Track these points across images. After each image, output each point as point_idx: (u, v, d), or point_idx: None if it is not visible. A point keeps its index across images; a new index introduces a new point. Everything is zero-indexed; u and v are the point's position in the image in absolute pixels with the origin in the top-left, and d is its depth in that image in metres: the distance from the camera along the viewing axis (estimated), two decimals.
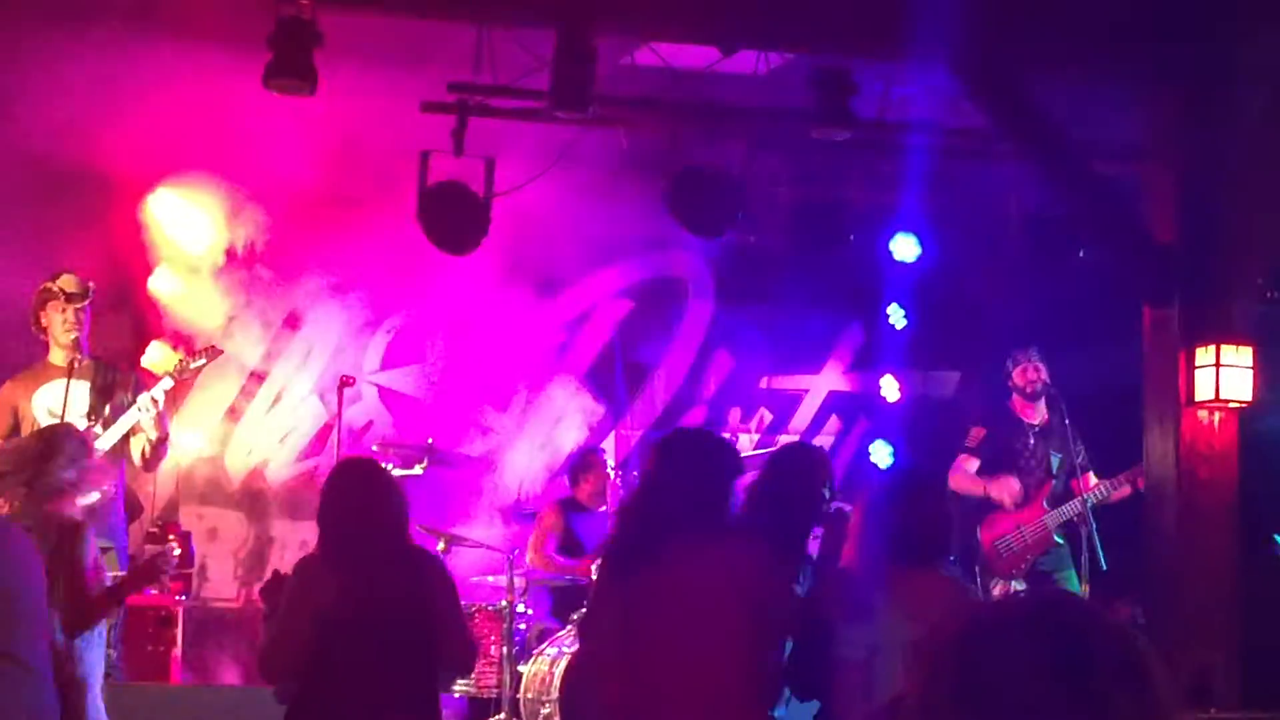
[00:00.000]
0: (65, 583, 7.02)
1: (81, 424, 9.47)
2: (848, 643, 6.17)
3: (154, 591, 9.73)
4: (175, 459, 11.23)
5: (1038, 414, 10.97)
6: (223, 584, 12.21)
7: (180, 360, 9.87)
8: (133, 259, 11.41)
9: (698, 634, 6.08)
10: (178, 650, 10.22)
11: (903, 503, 6.49)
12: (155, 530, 10.86)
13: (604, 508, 11.39)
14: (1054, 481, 10.74)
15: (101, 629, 7.57)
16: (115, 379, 9.82)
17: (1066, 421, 10.81)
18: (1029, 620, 2.10)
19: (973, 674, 2.06)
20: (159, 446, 9.66)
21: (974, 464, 10.85)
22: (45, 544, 6.87)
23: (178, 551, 8.01)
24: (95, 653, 7.50)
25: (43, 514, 7.21)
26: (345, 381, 11.02)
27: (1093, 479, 10.66)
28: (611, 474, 11.44)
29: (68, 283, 9.69)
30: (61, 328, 9.64)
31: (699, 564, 6.15)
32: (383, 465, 7.28)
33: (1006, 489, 10.66)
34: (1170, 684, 2.07)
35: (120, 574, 8.18)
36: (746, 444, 13.08)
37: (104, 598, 7.35)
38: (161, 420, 9.61)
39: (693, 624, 6.09)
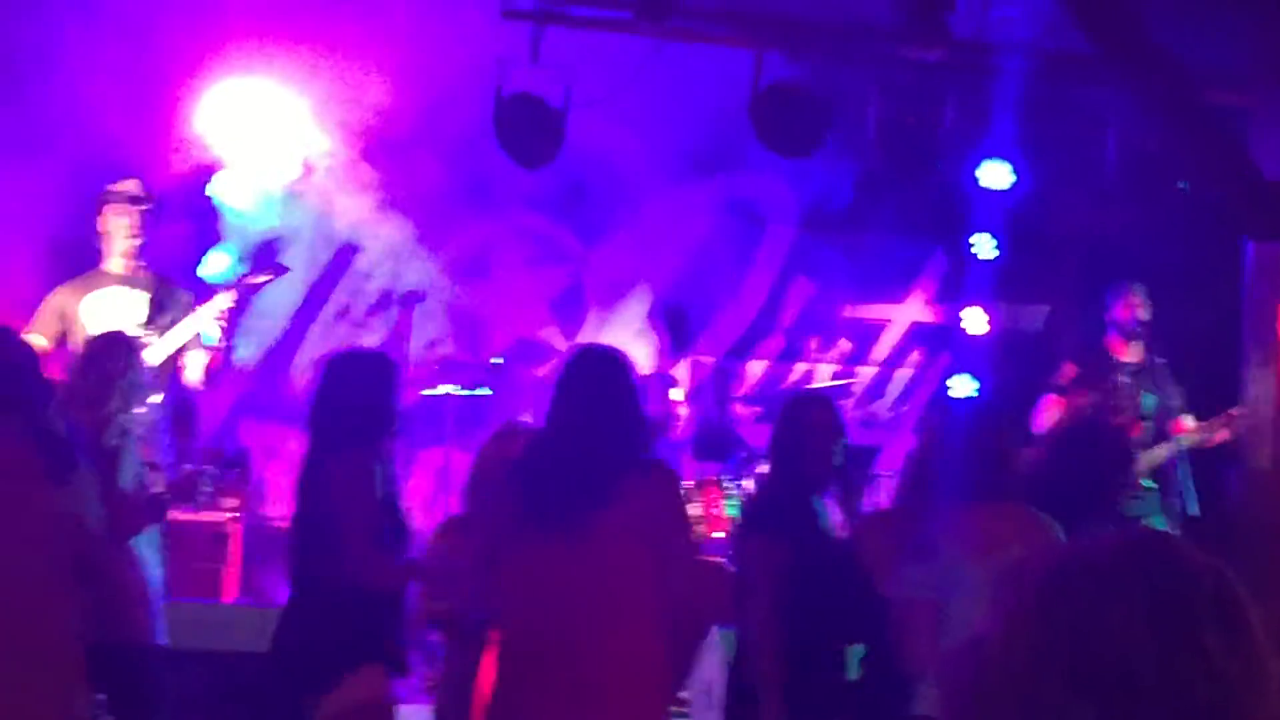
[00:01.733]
0: (105, 487, 6.89)
1: (137, 334, 9.27)
2: (908, 583, 5.95)
3: (193, 509, 9.63)
4: (235, 372, 11.05)
5: (1133, 353, 10.66)
6: (283, 501, 12.03)
7: (242, 275, 9.66)
8: (195, 164, 11.14)
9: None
10: (232, 569, 10.07)
11: (979, 434, 6.25)
12: (212, 448, 10.70)
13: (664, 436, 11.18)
14: (1145, 423, 10.44)
15: (153, 540, 7.50)
16: (173, 292, 9.61)
17: (1161, 361, 10.52)
18: (1117, 561, 1.97)
19: (1057, 617, 1.94)
20: (219, 358, 9.45)
21: (1061, 404, 10.55)
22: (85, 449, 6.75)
23: (210, 475, 7.91)
24: (151, 561, 7.56)
25: (90, 420, 7.10)
26: (415, 296, 10.80)
27: (1189, 422, 10.37)
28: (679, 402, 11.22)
29: (131, 185, 9.50)
30: (122, 233, 9.43)
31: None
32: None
33: None
34: (1265, 627, 1.94)
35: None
36: (825, 374, 12.81)
37: (140, 507, 7.35)
38: (224, 330, 9.41)
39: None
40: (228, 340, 9.48)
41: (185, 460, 9.65)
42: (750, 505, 6.91)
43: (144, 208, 9.47)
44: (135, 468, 7.40)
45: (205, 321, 9.26)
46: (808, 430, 6.96)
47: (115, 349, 7.69)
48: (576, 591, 5.70)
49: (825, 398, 7.83)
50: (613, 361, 6.09)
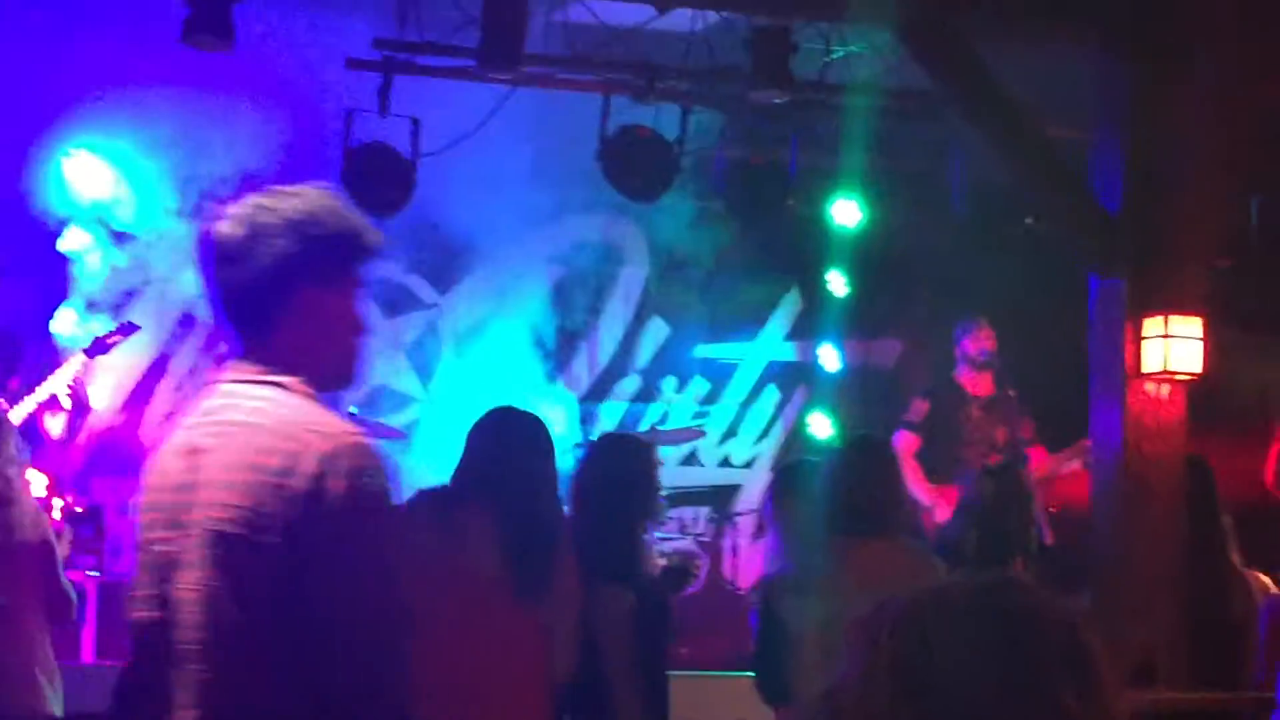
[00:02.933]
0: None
1: None
2: (796, 614, 6.03)
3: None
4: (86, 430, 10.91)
5: (983, 386, 10.78)
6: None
7: (95, 338, 9.57)
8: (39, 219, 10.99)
9: None
10: (89, 628, 9.91)
11: (855, 470, 6.29)
12: (67, 505, 10.53)
13: None
14: (998, 456, 10.54)
15: None
16: (20, 349, 9.49)
17: (1011, 393, 10.64)
18: (973, 603, 2.02)
19: (913, 655, 1.98)
20: (79, 419, 9.37)
21: (914, 442, 10.66)
22: None
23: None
24: None
25: None
26: None
27: (1039, 453, 10.49)
28: None
29: None
30: None
31: None
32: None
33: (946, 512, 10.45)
34: (1113, 671, 2.00)
35: None
36: (683, 415, 12.83)
37: None
38: (76, 393, 9.31)
39: None
40: (82, 402, 9.37)
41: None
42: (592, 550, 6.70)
43: None
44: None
45: (60, 384, 9.16)
46: (649, 472, 6.90)
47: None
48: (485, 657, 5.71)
49: (638, 441, 7.76)
50: (539, 423, 6.10)
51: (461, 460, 6.02)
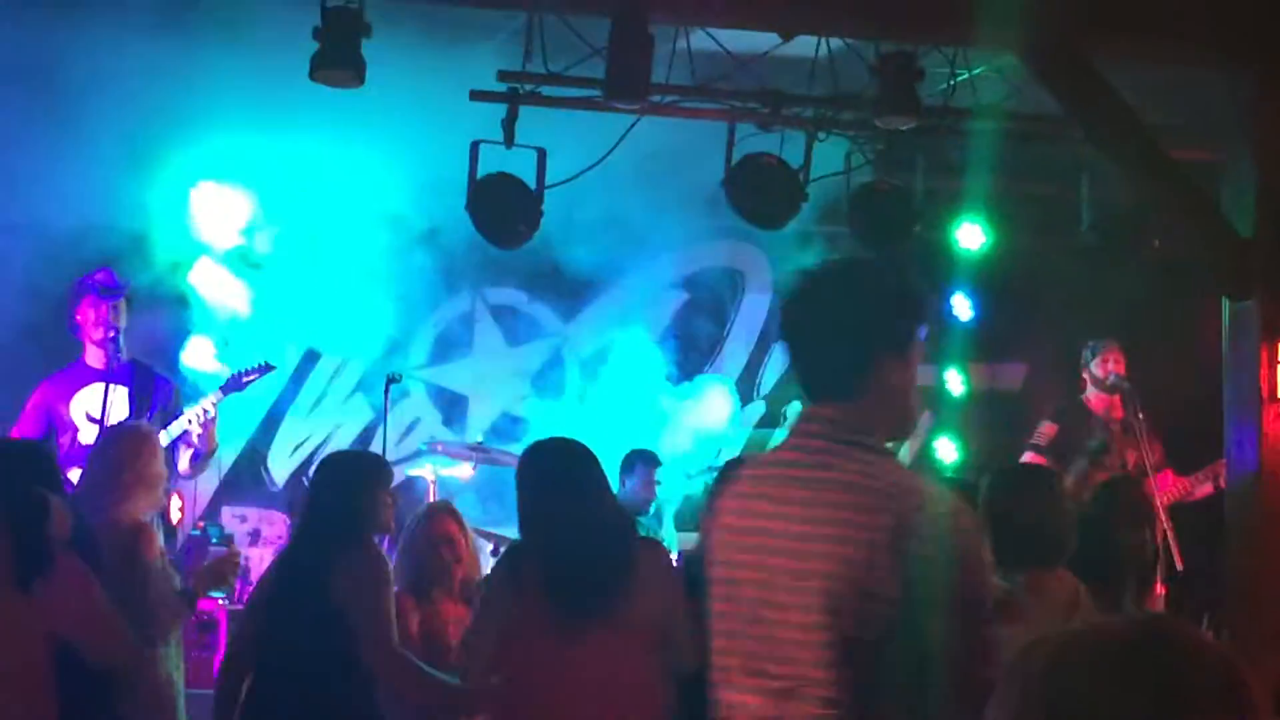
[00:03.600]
0: (140, 588, 6.88)
1: None
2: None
3: (220, 597, 9.56)
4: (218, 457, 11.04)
5: (1112, 409, 10.68)
6: None
7: (231, 376, 9.68)
8: (171, 253, 11.11)
9: None
10: (219, 654, 10.01)
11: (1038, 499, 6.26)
12: (198, 534, 10.65)
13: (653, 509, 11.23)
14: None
15: (177, 636, 7.45)
16: (153, 380, 9.61)
17: (1140, 416, 10.53)
18: (1125, 648, 1.99)
19: (1064, 702, 1.96)
20: (207, 459, 9.50)
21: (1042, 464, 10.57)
22: (114, 549, 6.70)
23: (244, 556, 7.85)
24: (176, 658, 7.45)
25: (109, 518, 7.01)
26: (391, 379, 10.82)
27: (1170, 477, 10.38)
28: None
29: (103, 276, 9.50)
30: (98, 325, 9.42)
31: None
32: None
33: None
34: (1267, 710, 1.96)
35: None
36: None
37: (179, 601, 7.23)
38: (209, 435, 9.43)
39: None
40: (214, 439, 9.49)
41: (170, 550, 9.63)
42: None
43: (117, 298, 9.47)
44: (162, 561, 7.33)
45: (197, 421, 9.29)
46: None
47: (134, 440, 7.61)
48: (583, 679, 5.85)
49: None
50: (586, 452, 6.32)
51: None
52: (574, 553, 5.99)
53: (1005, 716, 2.05)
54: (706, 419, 12.59)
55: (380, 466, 7.29)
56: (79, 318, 9.49)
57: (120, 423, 8.72)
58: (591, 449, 6.34)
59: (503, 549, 10.15)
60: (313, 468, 7.40)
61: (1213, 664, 1.99)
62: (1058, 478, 6.99)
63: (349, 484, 6.90)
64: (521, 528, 6.32)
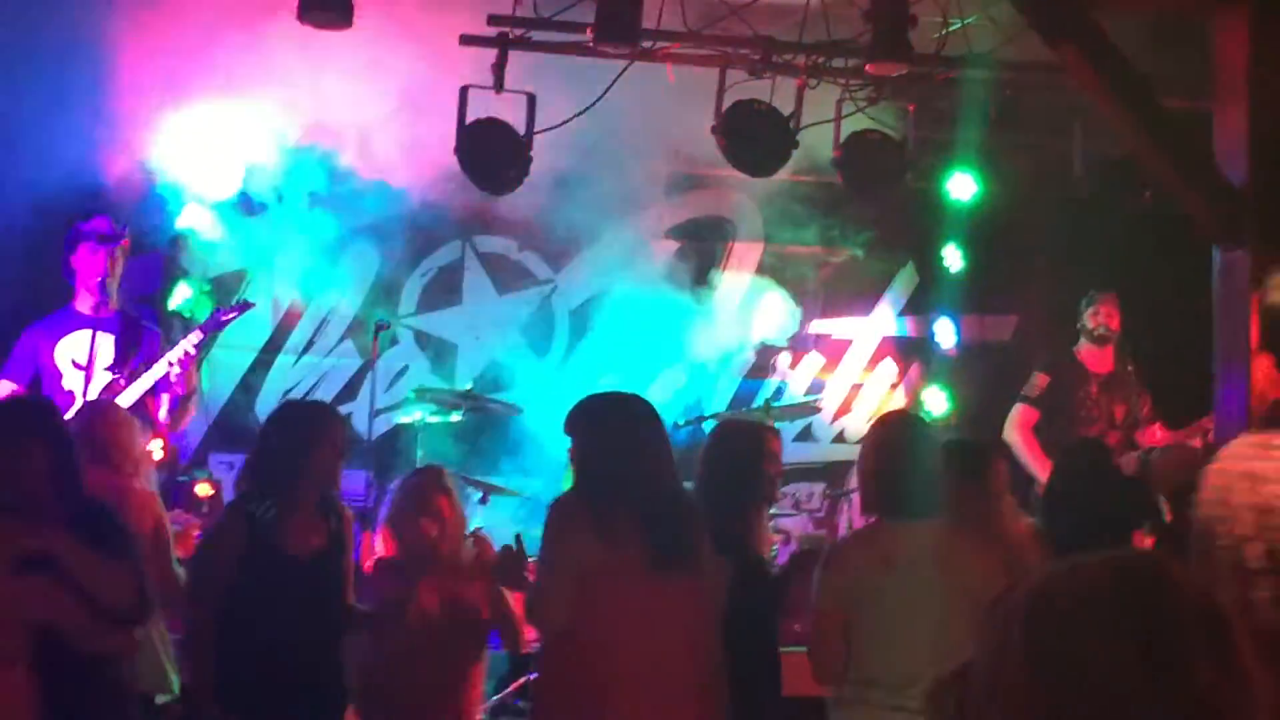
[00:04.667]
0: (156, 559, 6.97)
1: (105, 377, 9.25)
2: (825, 593, 6.19)
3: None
4: (205, 405, 11.01)
5: (1104, 362, 10.66)
6: None
7: (212, 314, 9.64)
8: (159, 196, 11.05)
9: None
10: None
11: (882, 449, 6.42)
12: (185, 479, 10.62)
13: None
14: (1118, 434, 10.44)
15: None
16: (140, 329, 9.58)
17: (1131, 369, 10.52)
18: (1107, 588, 1.97)
19: (1045, 645, 1.94)
20: (186, 402, 9.44)
21: (1033, 415, 10.56)
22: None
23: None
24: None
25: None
26: (380, 325, 10.78)
27: (1158, 431, 10.36)
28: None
29: (103, 224, 9.46)
30: (95, 273, 9.39)
31: None
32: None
33: None
34: (1249, 645, 1.96)
35: None
36: (797, 389, 12.77)
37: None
38: (190, 374, 9.39)
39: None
40: (195, 381, 9.46)
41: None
42: None
43: (116, 246, 9.44)
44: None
45: (175, 363, 9.25)
46: (762, 457, 7.00)
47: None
48: (670, 623, 6.01)
49: (774, 429, 7.82)
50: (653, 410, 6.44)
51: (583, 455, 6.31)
52: (666, 503, 6.14)
53: (986, 654, 2.02)
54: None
55: (327, 415, 7.23)
56: (74, 263, 9.46)
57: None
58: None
59: (498, 499, 10.20)
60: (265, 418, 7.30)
61: (1195, 600, 1.96)
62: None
63: (300, 436, 6.86)
64: (593, 478, 6.28)
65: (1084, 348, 10.78)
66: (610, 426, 6.32)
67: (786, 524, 11.87)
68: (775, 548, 10.09)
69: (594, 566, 5.99)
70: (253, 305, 10.07)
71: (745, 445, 7.05)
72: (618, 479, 6.15)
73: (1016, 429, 10.52)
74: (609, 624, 6.01)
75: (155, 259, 11.27)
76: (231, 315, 9.67)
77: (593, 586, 5.99)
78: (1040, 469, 10.36)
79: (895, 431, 6.57)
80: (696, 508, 6.34)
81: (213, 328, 9.62)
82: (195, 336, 9.40)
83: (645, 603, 5.99)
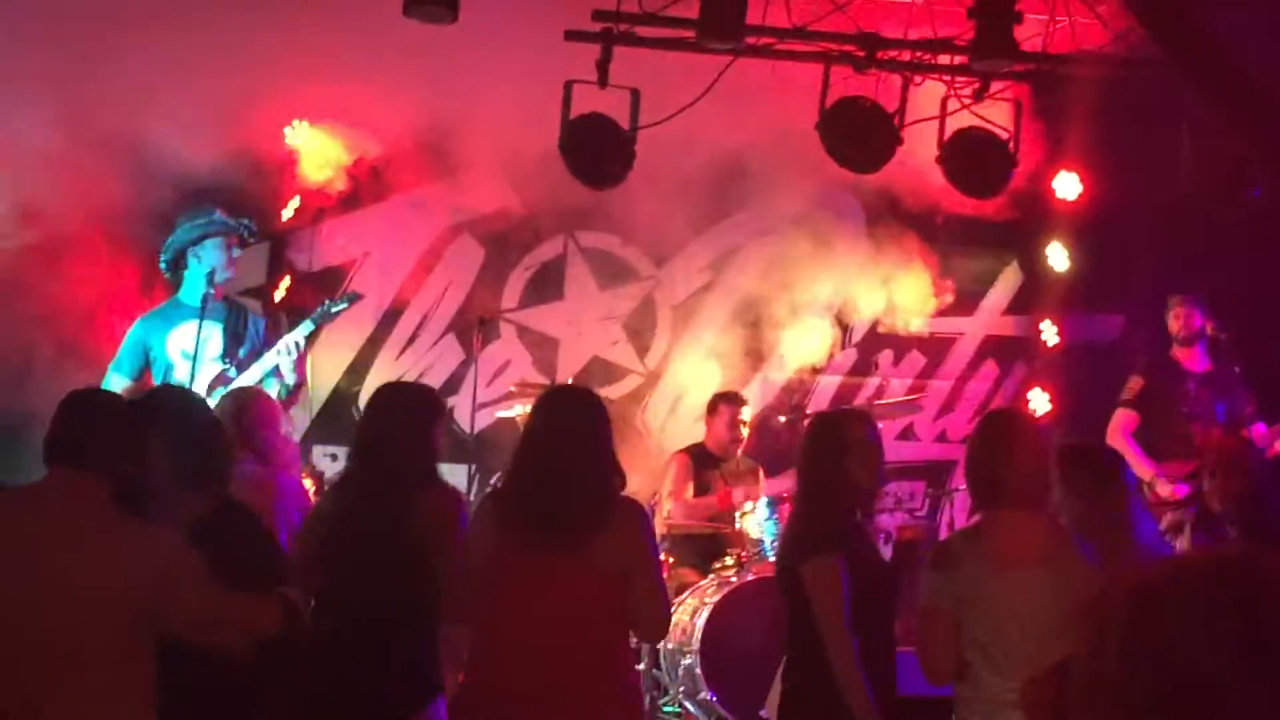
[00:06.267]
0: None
1: (215, 367, 9.34)
2: (930, 590, 6.10)
3: None
4: (309, 397, 11.10)
5: (1199, 360, 10.59)
6: None
7: (322, 305, 9.70)
8: (263, 189, 11.13)
9: None
10: None
11: (988, 444, 6.30)
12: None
13: (735, 456, 11.17)
14: (1221, 429, 10.35)
15: None
16: (247, 319, 9.67)
17: (1237, 370, 10.44)
18: (1208, 584, 1.96)
19: (1146, 642, 1.94)
20: (296, 391, 9.51)
21: (1133, 419, 10.49)
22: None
23: None
24: None
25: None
26: (482, 320, 10.83)
27: (1263, 429, 10.27)
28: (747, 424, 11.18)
29: (236, 221, 9.58)
30: (217, 267, 9.50)
31: None
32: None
33: (1168, 490, 10.26)
34: None
35: None
36: (898, 389, 12.71)
37: None
38: (300, 366, 9.46)
39: None
40: (304, 372, 9.52)
41: None
42: (800, 526, 6.80)
43: (244, 243, 9.59)
44: None
45: (288, 352, 9.32)
46: (848, 448, 6.92)
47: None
48: (557, 606, 5.99)
49: (864, 414, 7.74)
50: (592, 402, 6.41)
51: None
52: (553, 484, 6.11)
53: (1088, 650, 2.01)
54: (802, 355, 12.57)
55: (436, 398, 7.23)
56: (197, 256, 9.55)
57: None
58: (596, 397, 6.47)
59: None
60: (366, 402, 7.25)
61: None
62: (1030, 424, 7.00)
63: (415, 417, 6.83)
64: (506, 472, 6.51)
65: (1177, 348, 10.73)
66: (530, 423, 6.41)
67: (885, 522, 11.83)
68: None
69: (489, 554, 6.10)
70: (362, 297, 10.15)
71: (831, 438, 6.99)
72: (516, 469, 6.27)
73: (1118, 434, 10.46)
74: (494, 605, 6.09)
75: (262, 251, 11.35)
76: (341, 308, 9.74)
77: (487, 573, 6.09)
78: (1145, 470, 10.28)
79: (1004, 426, 6.54)
80: (603, 488, 6.20)
81: (322, 320, 9.68)
82: (305, 328, 9.48)
83: (522, 582, 6.03)
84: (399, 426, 6.71)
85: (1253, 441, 10.07)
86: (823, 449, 6.88)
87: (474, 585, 6.16)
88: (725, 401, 11.25)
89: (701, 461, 11.12)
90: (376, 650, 6.44)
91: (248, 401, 8.07)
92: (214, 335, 9.47)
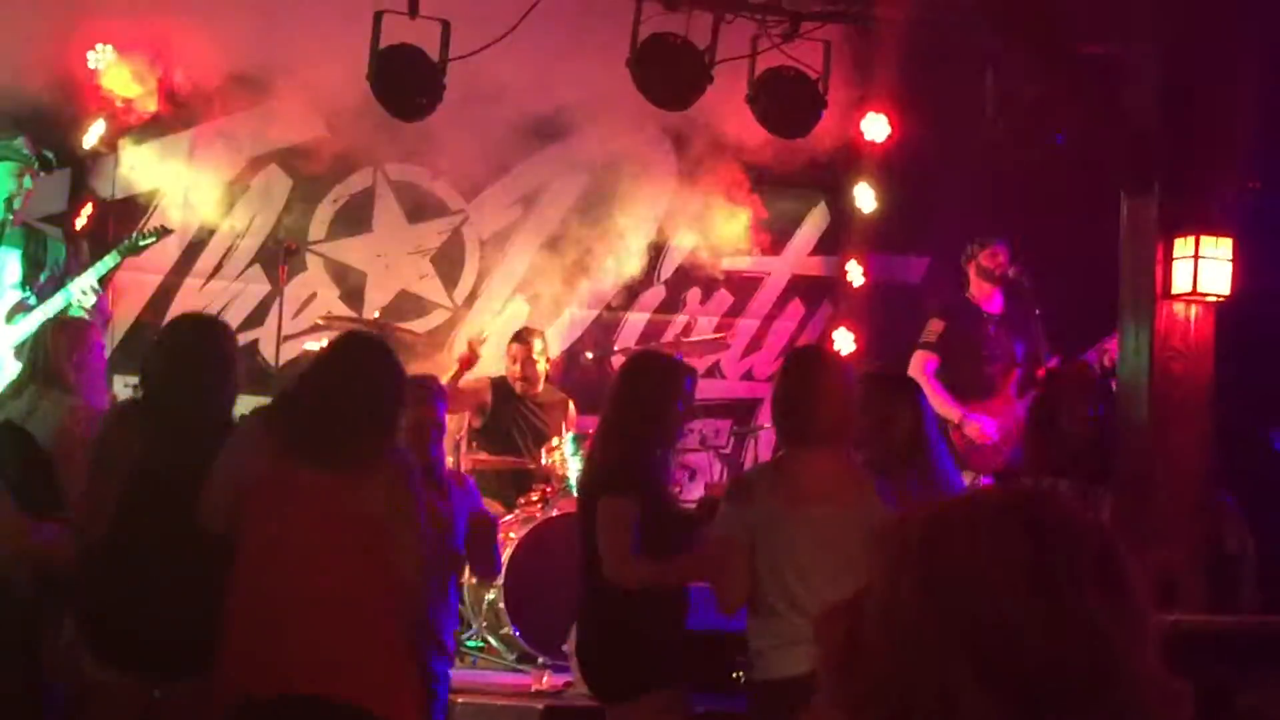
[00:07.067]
0: None
1: (15, 294, 9.17)
2: (724, 523, 6.24)
3: None
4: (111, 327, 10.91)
5: (997, 302, 10.78)
6: None
7: (129, 238, 9.55)
8: (66, 114, 10.90)
9: None
10: None
11: (793, 381, 6.32)
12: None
13: (536, 391, 11.21)
14: (1020, 370, 10.55)
15: None
16: (46, 245, 9.48)
17: (1037, 313, 10.63)
18: (1001, 518, 1.97)
19: (937, 575, 1.93)
20: (104, 327, 9.38)
21: (934, 360, 10.64)
22: None
23: None
24: None
25: None
26: (287, 249, 10.72)
27: (1057, 360, 10.49)
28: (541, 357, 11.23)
29: (22, 143, 9.37)
30: (10, 192, 9.30)
31: None
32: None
33: (976, 430, 10.42)
34: (1143, 583, 1.96)
35: None
36: (705, 327, 12.76)
37: None
38: (103, 301, 9.32)
39: None
40: (108, 307, 9.39)
41: None
42: (602, 465, 6.86)
43: (32, 166, 9.37)
44: None
45: (90, 290, 9.16)
46: (670, 395, 6.99)
47: None
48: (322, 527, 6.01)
49: (669, 360, 7.81)
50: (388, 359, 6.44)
51: None
52: (316, 425, 6.18)
53: (878, 584, 2.02)
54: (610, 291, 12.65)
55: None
56: None
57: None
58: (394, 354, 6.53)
59: None
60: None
61: (1090, 533, 1.98)
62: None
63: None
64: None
65: (976, 289, 10.87)
66: (321, 362, 6.55)
67: (693, 460, 11.91)
68: None
69: (257, 472, 6.10)
70: (171, 231, 10.01)
71: (658, 384, 7.04)
72: (296, 398, 6.36)
73: (921, 374, 10.60)
74: (250, 520, 6.09)
75: (64, 177, 11.10)
76: (149, 241, 9.60)
77: (253, 489, 6.09)
78: (949, 411, 10.44)
79: (810, 364, 6.62)
80: (377, 434, 6.24)
81: (128, 253, 9.53)
82: (111, 259, 9.32)
83: (288, 500, 6.03)
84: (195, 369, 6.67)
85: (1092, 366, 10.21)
86: (646, 392, 6.93)
87: (236, 502, 6.11)
88: (516, 340, 11.34)
89: (503, 395, 11.15)
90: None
91: (44, 334, 8.00)
92: (11, 261, 9.29)
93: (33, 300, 9.21)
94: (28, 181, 9.42)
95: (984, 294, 10.88)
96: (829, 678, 2.07)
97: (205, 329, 6.96)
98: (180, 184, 11.53)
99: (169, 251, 11.62)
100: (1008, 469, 10.21)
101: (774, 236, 13.07)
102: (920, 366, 10.65)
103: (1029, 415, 9.74)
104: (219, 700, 5.94)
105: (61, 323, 8.63)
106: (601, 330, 12.77)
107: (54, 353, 8.04)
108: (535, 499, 10.33)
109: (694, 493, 10.96)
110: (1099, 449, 9.02)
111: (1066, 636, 1.89)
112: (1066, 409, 7.85)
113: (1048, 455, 8.84)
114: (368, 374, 6.21)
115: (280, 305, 11.04)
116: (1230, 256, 9.03)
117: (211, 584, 5.99)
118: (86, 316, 9.22)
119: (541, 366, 11.22)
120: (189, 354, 6.65)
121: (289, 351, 11.32)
